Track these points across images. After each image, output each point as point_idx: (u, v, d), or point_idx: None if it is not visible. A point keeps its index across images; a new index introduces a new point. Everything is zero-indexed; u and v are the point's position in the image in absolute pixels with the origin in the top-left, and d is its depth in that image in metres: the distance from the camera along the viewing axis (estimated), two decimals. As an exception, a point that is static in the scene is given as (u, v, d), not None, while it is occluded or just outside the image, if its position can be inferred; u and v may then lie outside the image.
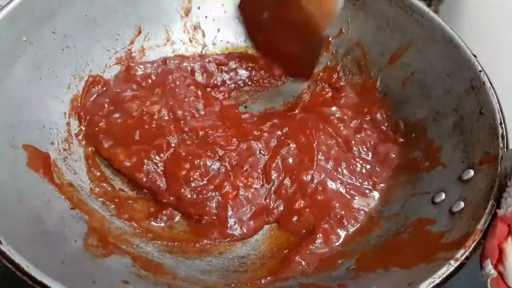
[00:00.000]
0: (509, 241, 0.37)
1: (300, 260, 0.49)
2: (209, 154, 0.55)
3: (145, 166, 0.53)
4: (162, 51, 0.66)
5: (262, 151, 0.57)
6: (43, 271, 0.35)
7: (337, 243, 0.52)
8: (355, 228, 0.53)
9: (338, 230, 0.53)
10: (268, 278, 0.48)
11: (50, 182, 0.49)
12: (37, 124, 0.52)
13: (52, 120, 0.54)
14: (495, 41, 0.65)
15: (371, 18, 0.62)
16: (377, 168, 0.58)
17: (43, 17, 0.54)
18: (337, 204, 0.54)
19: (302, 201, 0.54)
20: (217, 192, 0.53)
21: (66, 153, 0.54)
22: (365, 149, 0.60)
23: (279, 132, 0.59)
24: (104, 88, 0.60)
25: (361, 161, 0.59)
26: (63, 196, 0.49)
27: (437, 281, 0.38)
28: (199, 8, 0.67)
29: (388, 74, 0.62)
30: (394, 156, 0.58)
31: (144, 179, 0.53)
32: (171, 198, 0.53)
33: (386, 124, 0.61)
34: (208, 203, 0.52)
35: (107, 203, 0.52)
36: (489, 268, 0.36)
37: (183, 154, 0.54)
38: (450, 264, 0.38)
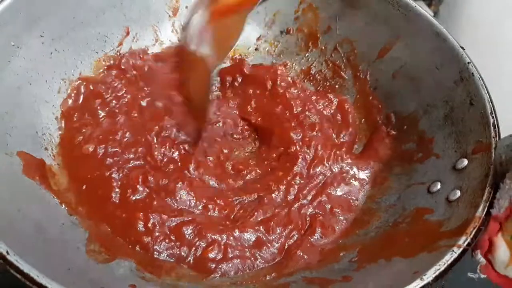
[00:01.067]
0: (499, 236, 0.41)
1: (302, 254, 0.50)
2: None
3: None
4: (151, 52, 0.66)
5: None
6: (55, 280, 0.34)
7: (336, 234, 0.53)
8: (350, 218, 0.54)
9: (335, 221, 0.54)
10: (273, 274, 0.48)
11: (47, 188, 0.48)
12: (30, 130, 0.51)
13: (44, 126, 0.53)
14: (494, 40, 0.66)
15: (359, 14, 0.63)
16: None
17: (31, 21, 0.52)
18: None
19: None
20: None
21: (60, 158, 0.53)
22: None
23: None
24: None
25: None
26: (61, 202, 0.48)
27: (442, 268, 0.39)
28: (187, 7, 0.67)
29: (378, 68, 0.63)
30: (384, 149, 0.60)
31: None
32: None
33: (377, 118, 0.62)
34: None
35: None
36: (479, 257, 0.41)
37: None
38: (453, 251, 0.39)
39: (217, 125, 0.61)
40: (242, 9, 0.56)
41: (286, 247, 0.51)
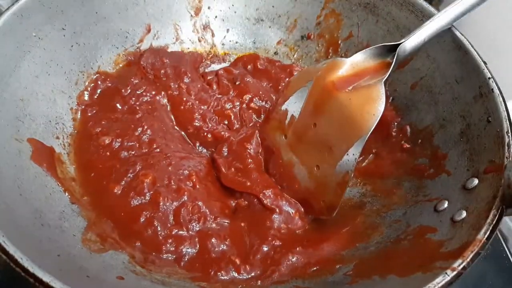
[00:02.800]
0: None
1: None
2: None
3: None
4: (171, 50, 0.67)
5: None
6: (38, 264, 0.35)
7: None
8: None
9: None
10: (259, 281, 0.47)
11: (53, 176, 0.50)
12: (43, 119, 0.53)
13: (59, 115, 0.55)
14: (494, 41, 0.64)
15: (381, 22, 0.62)
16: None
17: (53, 13, 0.55)
18: None
19: None
20: None
21: (71, 148, 0.54)
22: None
23: None
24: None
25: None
26: (65, 190, 0.50)
27: (432, 291, 0.37)
28: (209, 8, 0.67)
29: (397, 78, 0.61)
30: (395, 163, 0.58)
31: None
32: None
33: (393, 130, 0.60)
34: None
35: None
36: None
37: None
38: (446, 273, 0.37)
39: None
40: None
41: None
